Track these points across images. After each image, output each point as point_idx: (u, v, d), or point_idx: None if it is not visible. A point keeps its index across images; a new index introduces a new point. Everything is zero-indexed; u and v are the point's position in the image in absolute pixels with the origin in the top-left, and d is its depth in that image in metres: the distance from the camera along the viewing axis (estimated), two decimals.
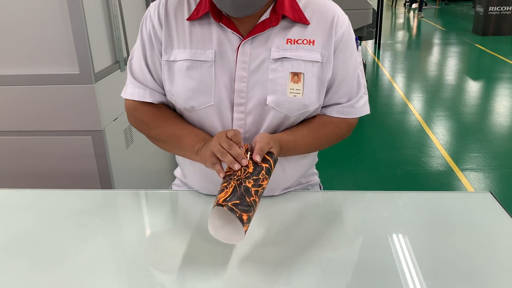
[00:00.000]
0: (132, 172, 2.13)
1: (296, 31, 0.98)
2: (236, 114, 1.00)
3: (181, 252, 0.88)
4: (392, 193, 1.10)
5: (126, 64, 2.02)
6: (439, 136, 3.92)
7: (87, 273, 0.83)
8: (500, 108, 4.61)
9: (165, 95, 1.05)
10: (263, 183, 0.86)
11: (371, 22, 4.26)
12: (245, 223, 0.79)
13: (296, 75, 0.96)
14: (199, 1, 0.99)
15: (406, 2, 15.47)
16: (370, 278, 0.80)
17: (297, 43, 0.97)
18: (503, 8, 8.56)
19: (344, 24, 1.00)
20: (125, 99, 1.08)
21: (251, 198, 0.82)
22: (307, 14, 0.98)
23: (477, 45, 7.99)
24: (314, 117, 1.06)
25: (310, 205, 1.07)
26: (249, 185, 0.83)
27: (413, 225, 0.98)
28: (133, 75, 1.05)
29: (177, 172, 1.23)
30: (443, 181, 3.15)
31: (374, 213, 1.01)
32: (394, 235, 0.93)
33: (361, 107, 1.07)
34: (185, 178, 1.17)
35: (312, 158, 1.16)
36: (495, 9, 8.55)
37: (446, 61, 7.08)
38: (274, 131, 1.02)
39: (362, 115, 1.08)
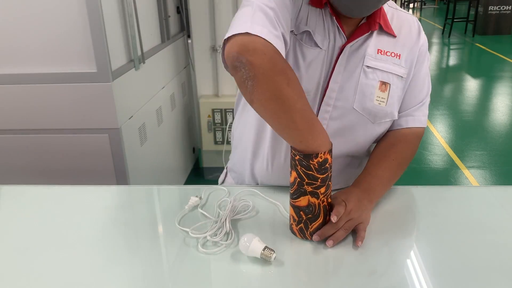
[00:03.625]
0: (147, 170, 2.15)
1: (386, 43, 1.00)
2: (322, 114, 1.00)
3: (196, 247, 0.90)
4: (400, 188, 1.12)
5: (140, 63, 2.05)
6: (443, 134, 3.95)
7: (104, 267, 0.85)
8: (502, 106, 4.65)
9: None
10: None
11: None
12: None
13: (384, 84, 0.99)
14: None
15: (404, 1, 15.51)
16: (374, 273, 0.81)
17: (386, 54, 1.00)
18: (503, 8, 8.60)
19: (423, 35, 1.05)
20: (250, 33, 0.78)
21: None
22: (394, 26, 1.02)
23: (477, 44, 8.03)
24: (380, 143, 1.07)
25: None
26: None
27: (425, 219, 1.00)
28: (273, 16, 0.84)
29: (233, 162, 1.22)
30: (449, 178, 3.17)
31: (385, 207, 1.03)
32: (400, 230, 0.95)
33: (424, 116, 1.07)
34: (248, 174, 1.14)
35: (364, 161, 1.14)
36: (494, 9, 8.59)
37: (447, 60, 7.12)
38: (355, 137, 1.04)
39: (423, 125, 1.08)
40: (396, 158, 1.03)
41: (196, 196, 1.06)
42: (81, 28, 1.67)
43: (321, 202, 0.85)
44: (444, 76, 6.15)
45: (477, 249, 0.86)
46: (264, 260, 0.82)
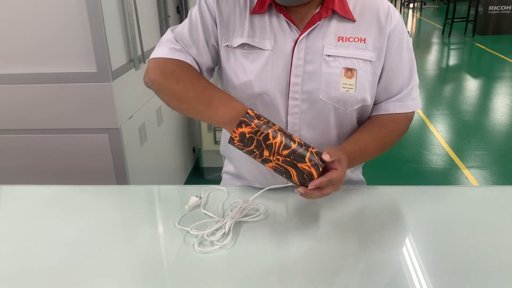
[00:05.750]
0: (147, 170, 2.15)
1: (347, 29, 0.99)
2: (291, 108, 1.01)
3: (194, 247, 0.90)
4: (402, 188, 1.12)
5: (140, 63, 2.05)
6: (443, 134, 3.95)
7: (107, 268, 0.85)
8: (502, 106, 4.65)
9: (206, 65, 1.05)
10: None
11: None
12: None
13: (349, 71, 0.98)
14: None
15: (404, 1, 15.52)
16: (373, 274, 0.81)
17: (348, 40, 0.99)
18: (503, 8, 8.60)
19: (396, 17, 1.01)
20: (152, 58, 1.01)
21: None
22: (358, 11, 1.00)
23: (477, 44, 8.03)
24: (372, 119, 1.07)
25: (322, 200, 1.05)
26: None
27: (424, 219, 1.00)
28: (176, 38, 1.02)
29: (228, 167, 1.24)
30: (450, 178, 3.17)
31: (384, 208, 1.03)
32: (403, 230, 0.95)
33: (417, 99, 1.07)
34: (238, 171, 1.18)
35: None
36: (494, 9, 8.59)
37: (447, 60, 7.12)
38: (330, 128, 1.04)
39: (417, 109, 1.07)
40: (384, 139, 1.04)
41: (196, 196, 1.06)
42: (81, 28, 1.67)
43: (276, 161, 0.85)
44: (444, 76, 6.15)
45: (477, 249, 0.86)
46: (257, 262, 0.82)
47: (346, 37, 0.99)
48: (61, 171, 1.87)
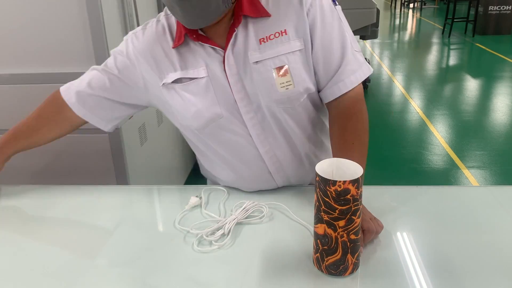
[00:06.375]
0: (147, 170, 2.15)
1: (265, 28, 0.96)
2: (248, 122, 1.01)
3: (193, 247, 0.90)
4: (401, 188, 1.12)
5: None
6: (443, 134, 3.95)
7: (109, 266, 0.85)
8: (502, 106, 4.65)
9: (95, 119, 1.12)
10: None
11: (375, 21, 4.28)
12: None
13: (281, 69, 0.96)
14: (176, 28, 1.01)
15: (404, 1, 15.53)
16: (373, 274, 0.81)
17: (269, 39, 0.96)
18: (503, 8, 8.60)
19: None
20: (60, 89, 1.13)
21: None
22: (272, 4, 0.97)
23: (477, 44, 8.03)
24: (332, 132, 1.03)
25: None
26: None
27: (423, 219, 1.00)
28: (89, 84, 1.08)
29: (209, 179, 1.25)
30: (450, 178, 3.17)
31: (385, 208, 1.03)
32: (405, 230, 0.95)
33: (358, 69, 1.00)
34: (221, 181, 1.16)
35: (325, 134, 1.13)
36: (494, 9, 8.59)
37: (447, 60, 7.12)
38: (293, 127, 1.03)
39: (364, 79, 1.01)
40: (355, 140, 1.00)
41: (196, 196, 1.06)
42: (81, 28, 1.67)
43: (339, 236, 0.76)
44: (444, 76, 6.15)
45: (477, 249, 0.86)
46: (254, 263, 0.82)
47: (267, 36, 0.96)
48: (61, 171, 1.87)
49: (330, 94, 1.02)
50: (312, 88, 1.01)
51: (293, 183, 1.12)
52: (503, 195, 1.07)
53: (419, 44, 8.56)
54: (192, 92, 0.99)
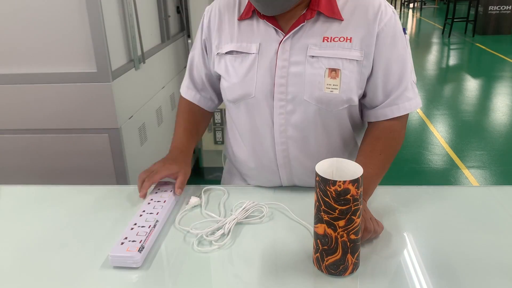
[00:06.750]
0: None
1: (333, 29, 0.99)
2: (277, 109, 1.02)
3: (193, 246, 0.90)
4: (399, 188, 1.12)
5: (140, 63, 2.05)
6: (443, 134, 3.95)
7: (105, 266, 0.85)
8: (502, 106, 4.65)
9: (216, 99, 1.24)
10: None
11: None
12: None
13: (333, 71, 0.98)
14: (247, 2, 1.05)
15: (404, 1, 15.52)
16: (373, 274, 0.81)
17: (333, 40, 0.98)
18: (503, 8, 8.60)
19: (387, 15, 0.99)
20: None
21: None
22: (347, 10, 0.99)
23: (477, 44, 8.03)
24: (366, 134, 1.07)
25: None
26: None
27: (423, 219, 1.00)
28: (191, 77, 1.21)
29: (227, 166, 1.30)
30: (450, 178, 3.17)
31: (386, 208, 1.03)
32: (406, 230, 0.95)
33: (413, 98, 1.04)
34: (236, 160, 1.21)
35: (348, 154, 1.14)
36: (494, 9, 8.59)
37: (447, 60, 7.12)
38: (317, 128, 1.04)
39: (415, 110, 1.05)
40: (383, 152, 1.03)
41: (196, 196, 1.06)
42: (81, 28, 1.67)
43: (339, 236, 0.77)
44: (444, 76, 6.15)
45: (477, 249, 0.86)
46: (255, 263, 0.82)
47: (331, 37, 0.98)
48: (61, 171, 1.87)
49: (382, 114, 1.05)
50: (355, 100, 1.02)
51: (296, 183, 1.12)
52: (503, 195, 1.07)
53: (419, 44, 8.56)
54: (237, 64, 1.04)
